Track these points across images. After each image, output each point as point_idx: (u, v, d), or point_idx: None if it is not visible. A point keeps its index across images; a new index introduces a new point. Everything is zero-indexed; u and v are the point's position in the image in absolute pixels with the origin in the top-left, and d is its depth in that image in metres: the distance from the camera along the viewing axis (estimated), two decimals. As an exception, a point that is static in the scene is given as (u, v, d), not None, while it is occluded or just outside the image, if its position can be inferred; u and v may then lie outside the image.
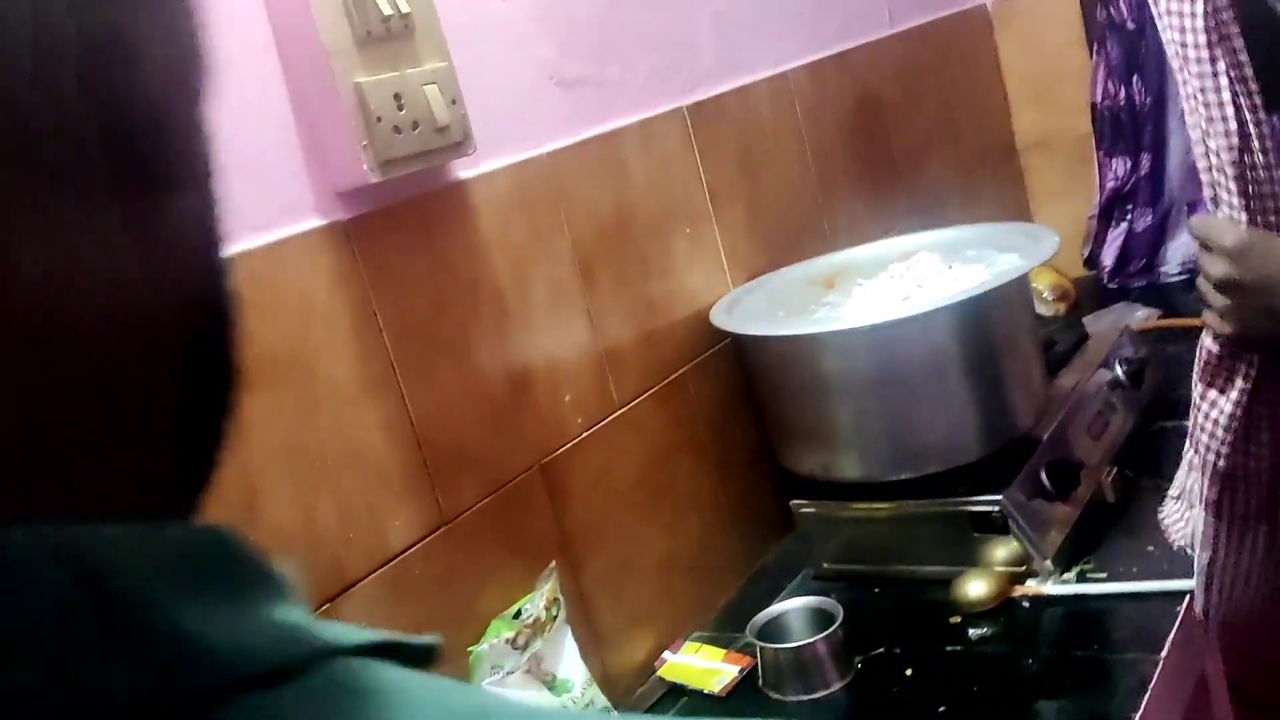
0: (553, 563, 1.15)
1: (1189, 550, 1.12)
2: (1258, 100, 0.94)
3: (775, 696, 1.15)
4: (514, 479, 1.15)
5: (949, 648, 1.16)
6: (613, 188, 1.32)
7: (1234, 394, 1.03)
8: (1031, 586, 1.19)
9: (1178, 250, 2.04)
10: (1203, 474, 1.06)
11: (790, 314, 1.37)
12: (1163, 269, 2.06)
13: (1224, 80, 0.93)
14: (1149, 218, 2.04)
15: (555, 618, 1.11)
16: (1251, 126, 0.94)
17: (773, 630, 1.21)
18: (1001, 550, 1.21)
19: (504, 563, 1.13)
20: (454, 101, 1.07)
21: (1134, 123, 2.02)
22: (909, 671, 1.14)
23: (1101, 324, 1.74)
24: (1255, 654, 1.39)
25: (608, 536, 1.25)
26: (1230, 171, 0.95)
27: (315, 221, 0.99)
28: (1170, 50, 0.96)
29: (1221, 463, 1.04)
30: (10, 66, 0.21)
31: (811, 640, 1.14)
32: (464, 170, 1.13)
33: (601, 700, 1.14)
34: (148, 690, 0.22)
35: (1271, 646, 1.38)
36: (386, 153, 1.00)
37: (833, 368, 1.24)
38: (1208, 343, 1.04)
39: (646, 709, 1.20)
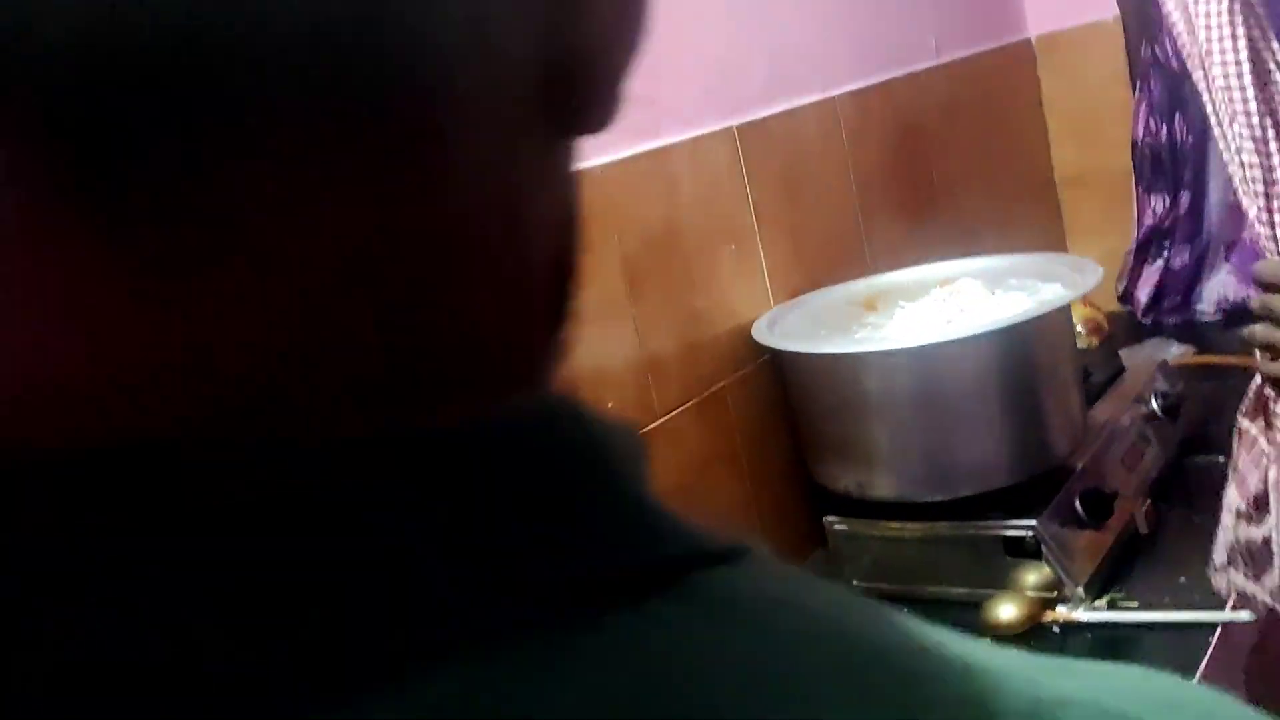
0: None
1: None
2: None
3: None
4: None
5: (979, 668, 1.17)
6: (662, 202, 1.34)
7: None
8: (1062, 612, 1.20)
9: (1213, 289, 2.05)
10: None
11: (831, 333, 1.39)
12: (1197, 307, 2.07)
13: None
14: (1185, 255, 2.05)
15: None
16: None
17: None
18: (1033, 575, 1.23)
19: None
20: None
21: (1174, 161, 2.03)
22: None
23: (1137, 358, 1.75)
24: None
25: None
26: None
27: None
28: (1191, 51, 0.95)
29: None
30: (496, 30, 0.23)
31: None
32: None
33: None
34: (632, 563, 0.24)
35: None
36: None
37: (873, 387, 1.26)
38: (1265, 390, 1.02)
39: None
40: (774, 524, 1.45)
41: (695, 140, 1.40)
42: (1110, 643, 1.17)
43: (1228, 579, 1.11)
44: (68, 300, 0.21)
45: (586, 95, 0.26)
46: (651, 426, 1.30)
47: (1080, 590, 1.21)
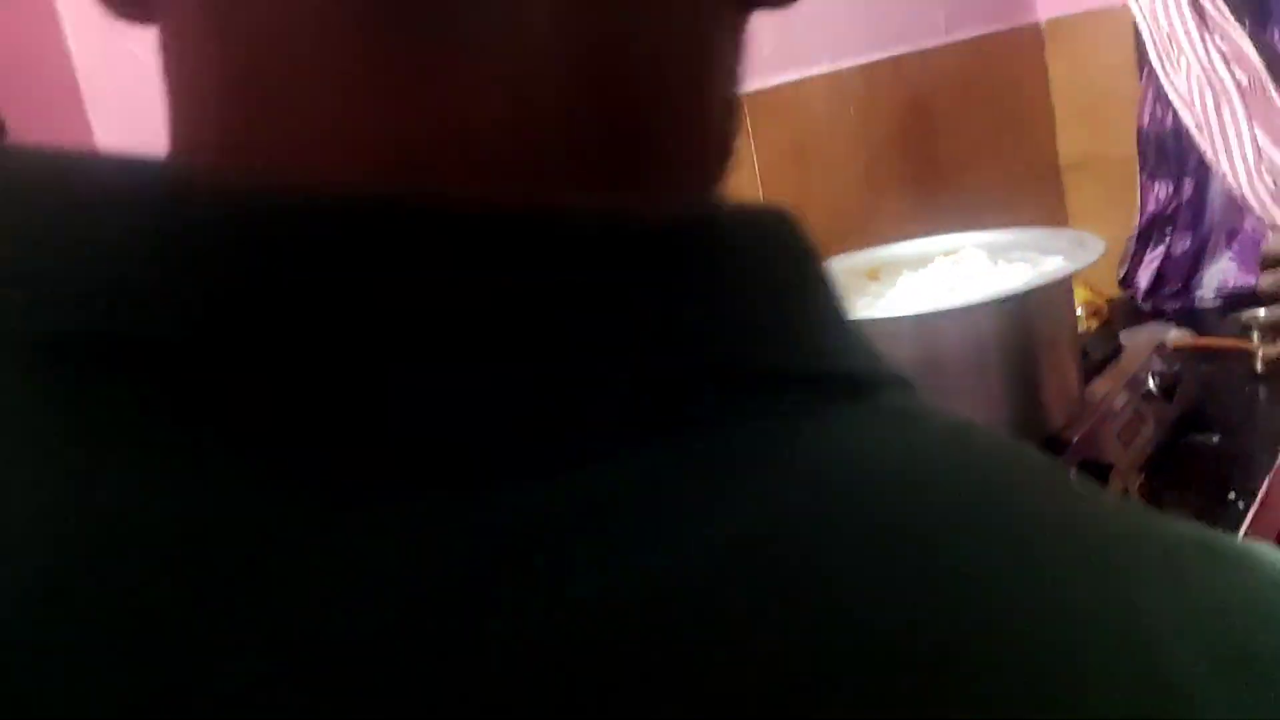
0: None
1: None
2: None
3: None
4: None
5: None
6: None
7: None
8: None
9: (1214, 276, 2.06)
10: None
11: (833, 301, 1.39)
12: (1197, 293, 2.07)
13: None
14: (1187, 242, 2.06)
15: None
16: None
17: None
18: (1027, 544, 1.23)
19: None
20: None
21: (1179, 148, 2.03)
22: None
23: (1136, 339, 1.76)
24: None
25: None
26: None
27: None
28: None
29: None
30: None
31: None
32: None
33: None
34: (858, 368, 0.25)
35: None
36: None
37: (874, 354, 1.26)
38: None
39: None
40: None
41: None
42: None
43: None
44: (361, 74, 0.24)
45: None
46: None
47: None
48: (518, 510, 0.21)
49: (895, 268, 1.47)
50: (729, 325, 0.24)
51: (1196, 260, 2.07)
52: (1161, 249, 2.08)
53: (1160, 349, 1.61)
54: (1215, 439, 1.48)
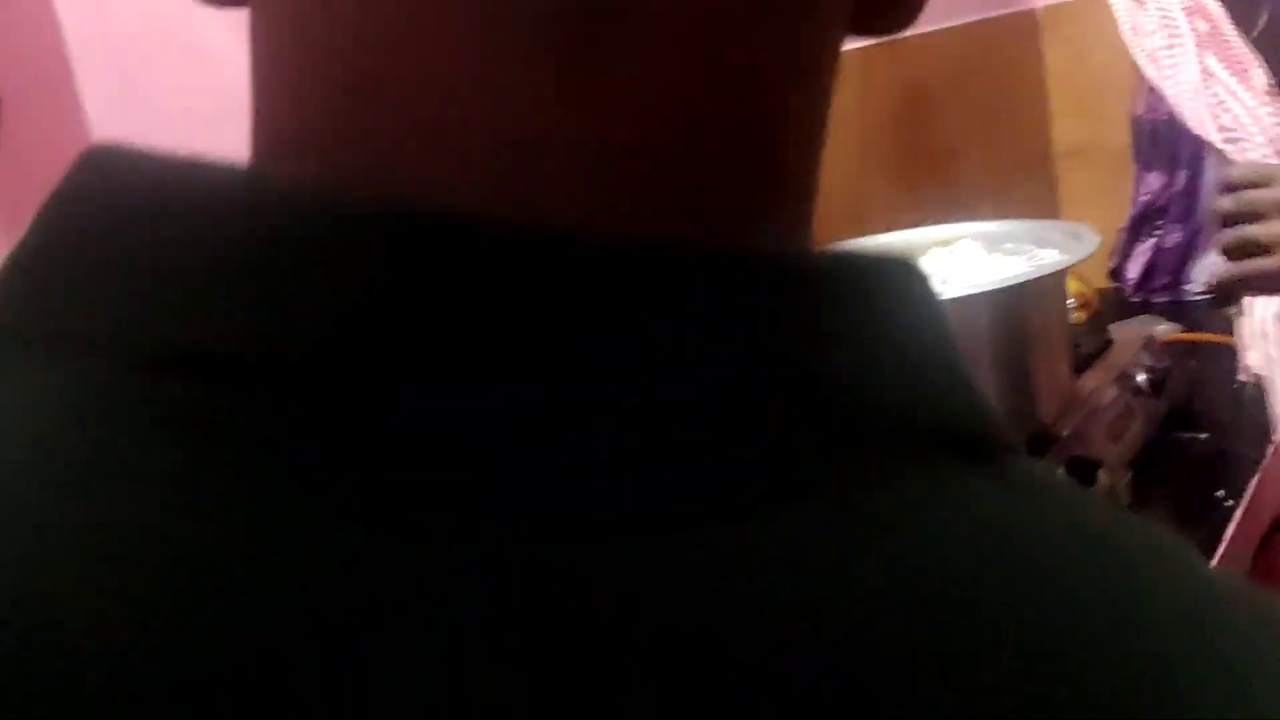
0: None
1: None
2: None
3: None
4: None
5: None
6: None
7: None
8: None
9: (1204, 269, 2.06)
10: None
11: (826, 290, 1.38)
12: (1187, 286, 2.07)
13: None
14: (1179, 235, 2.06)
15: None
16: None
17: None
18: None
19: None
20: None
21: (1173, 139, 2.03)
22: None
23: (1126, 333, 1.76)
24: None
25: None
26: None
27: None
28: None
29: None
30: None
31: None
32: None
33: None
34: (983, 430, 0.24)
35: None
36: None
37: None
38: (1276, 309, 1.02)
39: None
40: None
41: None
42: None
43: None
44: (512, 85, 0.23)
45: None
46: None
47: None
48: (712, 555, 0.20)
49: (888, 257, 1.47)
50: (864, 381, 0.23)
51: (1187, 253, 2.07)
52: (1153, 241, 2.07)
53: (1149, 343, 1.61)
54: (1203, 436, 1.48)
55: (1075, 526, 0.24)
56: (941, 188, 1.88)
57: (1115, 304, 2.05)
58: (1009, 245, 1.40)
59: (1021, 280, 1.21)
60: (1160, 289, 2.07)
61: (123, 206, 0.24)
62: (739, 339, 0.22)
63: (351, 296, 0.21)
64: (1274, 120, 0.96)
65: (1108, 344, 1.60)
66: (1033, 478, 0.25)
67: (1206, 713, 0.21)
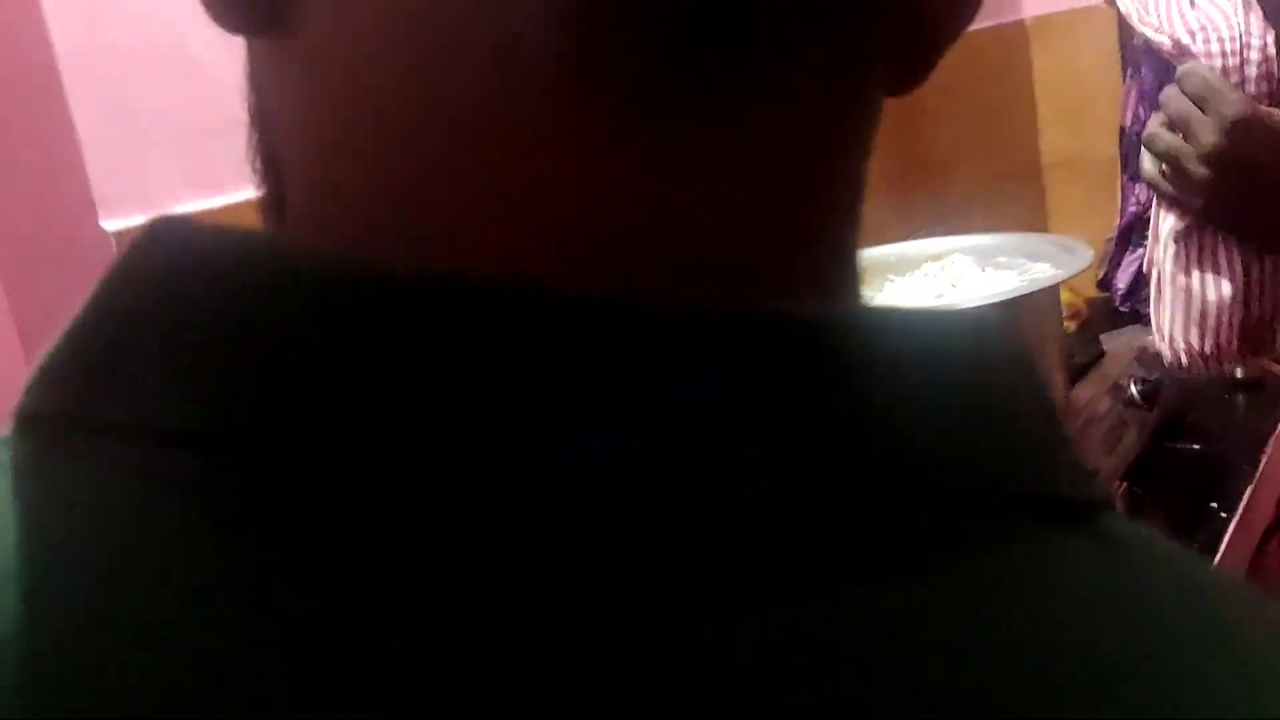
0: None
1: None
2: None
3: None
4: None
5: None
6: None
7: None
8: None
9: (1193, 279, 2.06)
10: None
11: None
12: (1176, 297, 2.07)
13: None
14: (1167, 245, 2.06)
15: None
16: None
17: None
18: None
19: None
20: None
21: (1161, 149, 2.03)
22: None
23: (1117, 343, 1.76)
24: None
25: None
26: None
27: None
28: None
29: None
30: None
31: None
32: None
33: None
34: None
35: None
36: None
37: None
38: (1176, 225, 1.02)
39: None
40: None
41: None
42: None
43: None
44: (595, 160, 0.22)
45: (926, 59, 0.28)
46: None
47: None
48: (841, 623, 0.20)
49: (879, 270, 1.46)
50: (958, 444, 0.23)
51: (1176, 263, 2.07)
52: (1141, 250, 2.07)
53: (1142, 354, 1.61)
54: (1196, 446, 1.48)
55: (1180, 590, 0.24)
56: (930, 200, 1.88)
57: (1105, 313, 2.05)
58: (1001, 259, 1.40)
59: (1015, 295, 1.20)
60: (1148, 299, 2.07)
61: (165, 288, 0.24)
62: (836, 419, 0.22)
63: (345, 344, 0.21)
64: (1240, 20, 0.95)
65: (1100, 355, 1.60)
66: (1130, 538, 0.25)
67: None
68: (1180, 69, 1.01)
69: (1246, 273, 1.03)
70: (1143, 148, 1.03)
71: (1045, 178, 2.26)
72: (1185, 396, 1.55)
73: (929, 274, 1.39)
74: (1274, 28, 0.96)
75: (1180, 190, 0.99)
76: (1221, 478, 1.39)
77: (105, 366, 0.23)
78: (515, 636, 0.19)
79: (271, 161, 0.27)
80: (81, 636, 0.20)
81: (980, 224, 1.93)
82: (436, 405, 0.20)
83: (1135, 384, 1.52)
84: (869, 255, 1.50)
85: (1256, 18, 0.98)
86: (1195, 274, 1.04)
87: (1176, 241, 1.03)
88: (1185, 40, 1.00)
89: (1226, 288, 1.04)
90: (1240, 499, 1.32)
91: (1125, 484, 1.35)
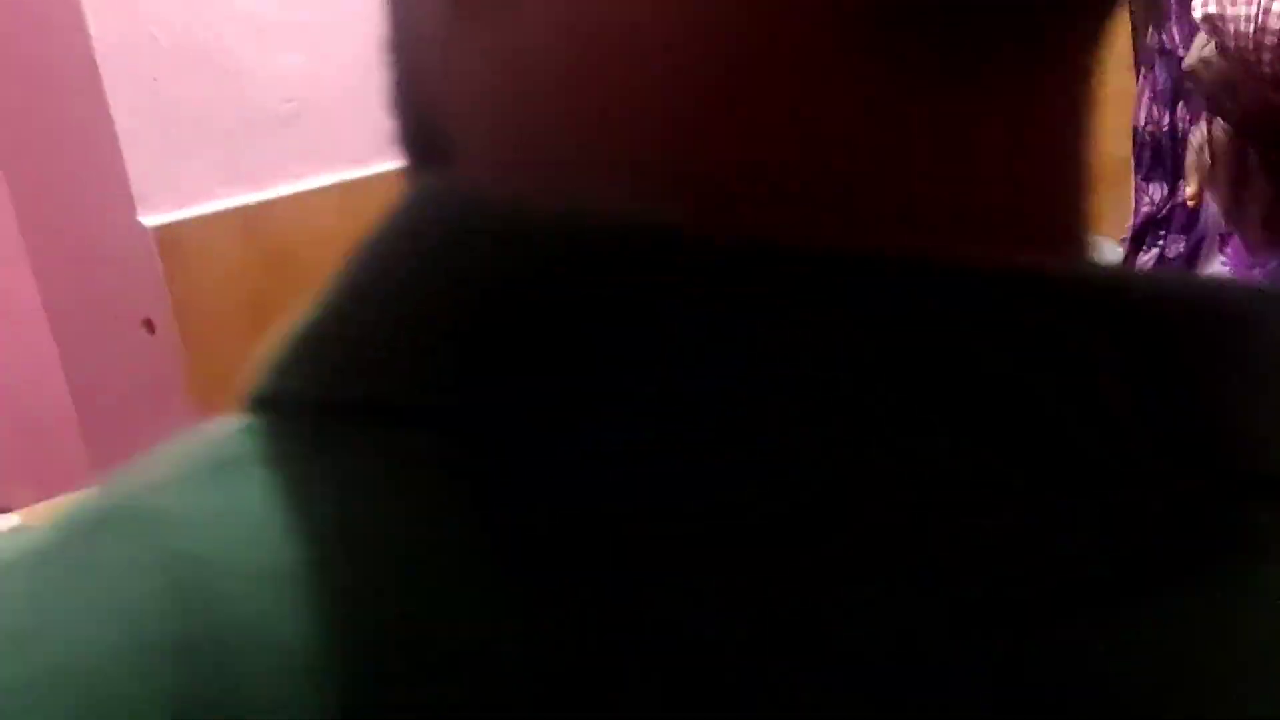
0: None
1: None
2: None
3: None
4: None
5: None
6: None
7: None
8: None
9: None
10: None
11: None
12: (1189, 297, 2.08)
13: None
14: (1181, 245, 2.06)
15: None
16: None
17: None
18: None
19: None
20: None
21: (1175, 150, 2.03)
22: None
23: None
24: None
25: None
26: None
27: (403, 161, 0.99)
28: None
29: None
30: None
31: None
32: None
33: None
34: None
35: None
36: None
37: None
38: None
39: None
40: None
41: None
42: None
43: None
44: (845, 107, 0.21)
45: None
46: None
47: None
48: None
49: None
50: (1249, 425, 0.21)
51: (1190, 265, 2.07)
52: (1155, 251, 2.08)
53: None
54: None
55: None
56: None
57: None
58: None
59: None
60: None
61: (419, 262, 0.22)
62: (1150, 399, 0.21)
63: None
64: None
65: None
66: None
67: None
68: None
69: None
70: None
71: (1058, 177, 2.26)
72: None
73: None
74: None
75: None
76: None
77: (363, 346, 0.22)
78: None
79: (433, 125, 0.25)
80: (398, 632, 0.19)
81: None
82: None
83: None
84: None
85: None
86: None
87: None
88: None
89: None
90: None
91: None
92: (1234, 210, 1.03)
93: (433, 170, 0.25)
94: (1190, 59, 1.05)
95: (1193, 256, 2.08)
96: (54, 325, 0.87)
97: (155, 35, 0.81)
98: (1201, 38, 1.07)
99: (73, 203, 0.81)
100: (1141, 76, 2.05)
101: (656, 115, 0.21)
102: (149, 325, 0.82)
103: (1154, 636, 0.19)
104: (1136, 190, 2.06)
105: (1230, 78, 0.98)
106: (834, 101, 0.21)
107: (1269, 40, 0.98)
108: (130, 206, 0.80)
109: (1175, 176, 2.04)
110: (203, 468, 0.22)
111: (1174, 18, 2.00)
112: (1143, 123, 2.04)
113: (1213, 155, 1.06)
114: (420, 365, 0.21)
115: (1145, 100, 2.03)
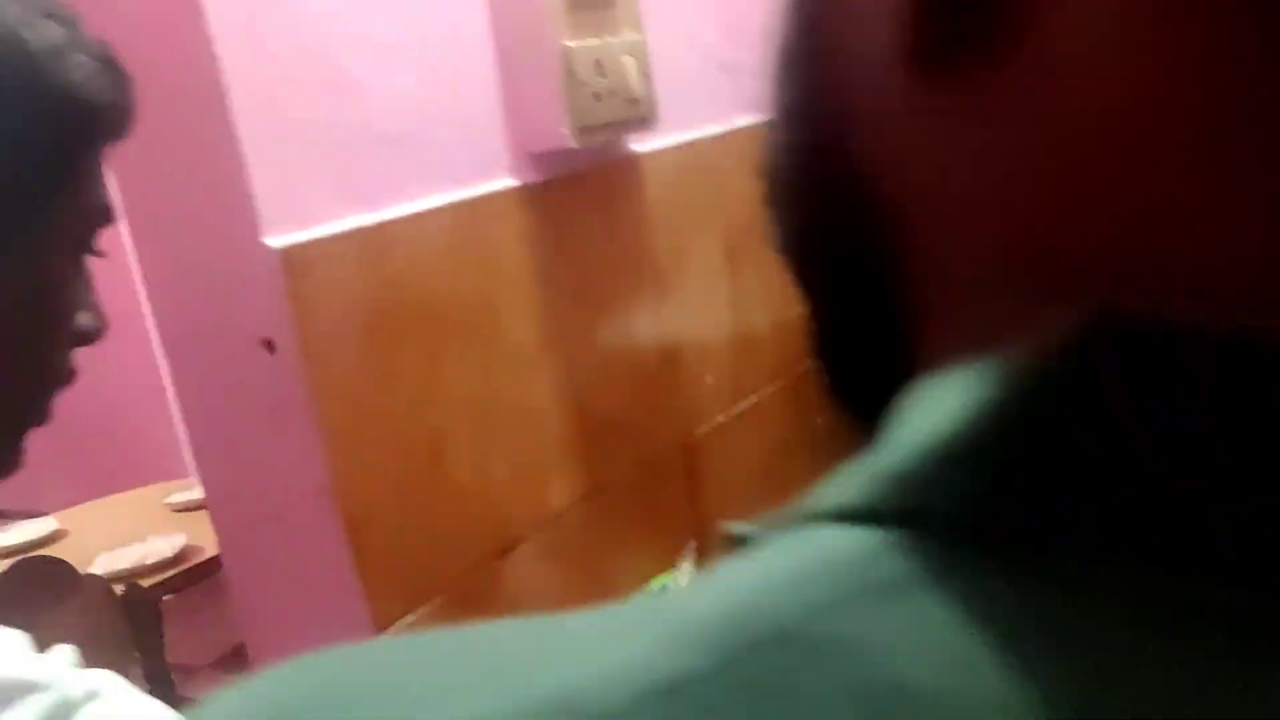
0: (692, 542, 1.15)
1: None
2: None
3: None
4: (657, 454, 1.16)
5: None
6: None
7: None
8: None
9: None
10: None
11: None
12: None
13: None
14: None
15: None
16: None
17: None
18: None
19: (645, 537, 1.13)
20: (645, 75, 1.08)
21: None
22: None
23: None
24: None
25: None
26: None
27: (509, 181, 0.99)
28: None
29: None
30: None
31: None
32: (637, 144, 1.14)
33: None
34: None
35: None
36: (584, 119, 1.01)
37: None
38: None
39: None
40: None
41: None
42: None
43: None
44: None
45: None
46: (745, 405, 1.28)
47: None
48: None
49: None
50: None
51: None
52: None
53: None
54: None
55: None
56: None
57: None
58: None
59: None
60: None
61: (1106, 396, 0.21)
62: None
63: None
64: None
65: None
66: None
67: None
68: None
69: None
70: None
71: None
72: None
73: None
74: None
75: None
76: None
77: (1043, 471, 0.20)
78: None
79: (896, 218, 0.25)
80: None
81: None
82: None
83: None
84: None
85: None
86: None
87: None
88: None
89: None
90: None
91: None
92: None
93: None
94: None
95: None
96: (166, 343, 0.87)
97: (276, 55, 0.82)
98: None
99: (191, 223, 0.81)
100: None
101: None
102: (269, 345, 0.82)
103: None
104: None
105: None
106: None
107: None
108: (254, 227, 0.80)
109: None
110: (859, 589, 0.20)
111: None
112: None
113: None
114: (1149, 502, 0.20)
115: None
